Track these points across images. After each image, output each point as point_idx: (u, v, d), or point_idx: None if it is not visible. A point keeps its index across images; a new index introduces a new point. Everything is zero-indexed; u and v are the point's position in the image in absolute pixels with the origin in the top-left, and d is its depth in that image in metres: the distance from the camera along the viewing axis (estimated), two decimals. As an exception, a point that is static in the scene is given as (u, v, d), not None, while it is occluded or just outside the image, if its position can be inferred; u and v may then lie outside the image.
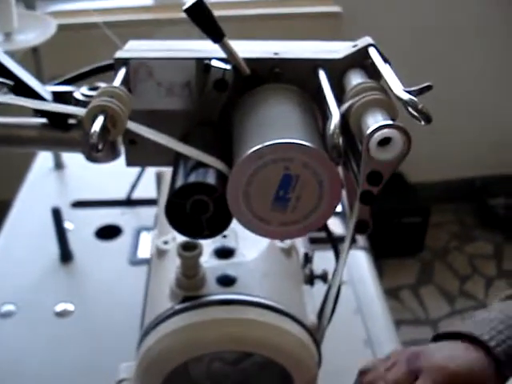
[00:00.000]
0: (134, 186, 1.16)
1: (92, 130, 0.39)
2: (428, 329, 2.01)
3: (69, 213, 1.13)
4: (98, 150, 0.39)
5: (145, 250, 1.06)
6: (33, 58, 1.20)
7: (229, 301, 0.52)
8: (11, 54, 1.03)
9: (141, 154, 0.53)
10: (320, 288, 0.67)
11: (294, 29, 1.91)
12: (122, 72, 0.49)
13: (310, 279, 0.65)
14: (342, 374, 0.80)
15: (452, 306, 2.06)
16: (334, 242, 0.66)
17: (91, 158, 0.55)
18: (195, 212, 0.45)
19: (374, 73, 0.49)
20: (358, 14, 2.01)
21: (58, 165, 1.26)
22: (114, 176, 1.16)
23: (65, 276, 1.01)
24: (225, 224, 0.46)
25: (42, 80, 1.23)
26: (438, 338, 0.65)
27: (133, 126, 0.44)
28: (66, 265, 1.03)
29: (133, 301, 0.94)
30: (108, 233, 1.11)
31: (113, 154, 0.56)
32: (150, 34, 1.85)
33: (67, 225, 1.08)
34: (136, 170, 1.14)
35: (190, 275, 0.53)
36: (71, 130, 0.54)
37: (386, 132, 0.40)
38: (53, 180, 1.24)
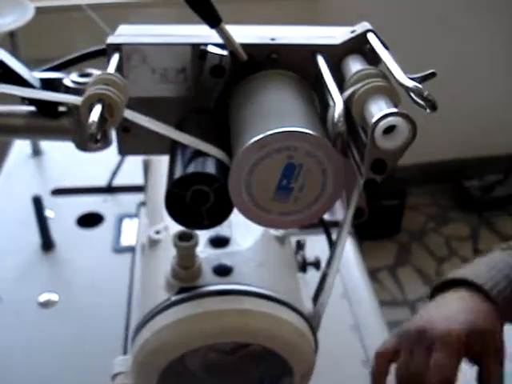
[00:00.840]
0: (114, 173, 1.14)
1: (90, 120, 0.38)
2: (406, 310, 2.03)
3: (49, 201, 1.11)
4: (97, 141, 0.38)
5: (128, 238, 1.05)
6: (10, 42, 1.17)
7: (226, 291, 0.51)
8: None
9: (134, 142, 0.52)
10: (312, 275, 0.67)
11: (271, 13, 1.90)
12: (115, 58, 0.47)
13: (303, 266, 0.65)
14: (329, 359, 0.80)
15: (429, 287, 2.08)
16: (327, 228, 0.66)
17: (82, 147, 0.54)
18: (195, 202, 0.44)
19: (372, 59, 0.49)
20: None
21: (36, 151, 1.24)
22: (95, 162, 1.13)
23: (47, 265, 0.99)
24: (225, 214, 0.45)
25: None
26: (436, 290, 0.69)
27: (130, 114, 0.43)
28: (47, 254, 1.01)
29: (117, 289, 0.93)
30: (90, 220, 1.09)
31: (105, 143, 0.54)
32: (135, 15, 1.83)
33: (48, 213, 1.06)
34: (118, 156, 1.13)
35: (186, 266, 0.52)
36: (61, 117, 0.53)
37: (391, 120, 0.39)
38: (31, 167, 1.21)
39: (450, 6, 2.12)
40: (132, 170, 1.02)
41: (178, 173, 0.43)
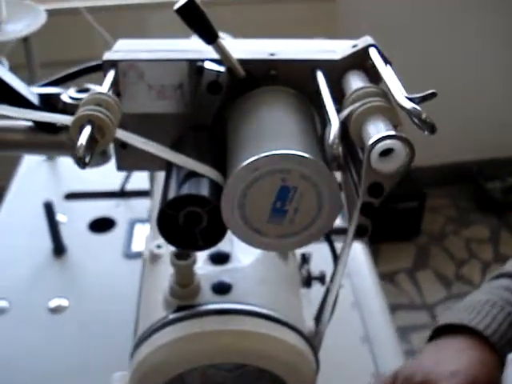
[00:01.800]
0: (127, 178, 1.14)
1: (78, 143, 0.37)
2: (424, 313, 2.00)
3: (62, 205, 1.11)
4: (85, 164, 0.37)
5: (139, 243, 1.04)
6: (23, 46, 1.18)
7: (224, 310, 0.51)
8: (2, 45, 1.01)
9: (132, 158, 0.51)
10: (318, 289, 0.66)
11: (289, 13, 1.88)
12: (110, 75, 0.47)
13: (308, 281, 0.64)
14: (338, 370, 0.79)
15: (448, 291, 2.06)
16: (331, 242, 0.64)
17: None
18: (188, 224, 0.43)
19: (374, 75, 0.47)
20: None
21: (50, 156, 1.24)
22: (108, 167, 1.13)
23: (58, 270, 0.99)
24: (220, 235, 0.44)
25: (34, 68, 1.21)
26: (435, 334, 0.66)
27: (122, 134, 0.42)
28: (59, 258, 1.01)
29: (127, 295, 0.93)
30: (102, 225, 1.09)
31: (103, 158, 0.54)
32: (143, 18, 1.83)
33: (60, 217, 1.06)
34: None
35: (184, 284, 0.51)
36: (59, 133, 0.52)
37: (388, 143, 0.38)
38: (45, 171, 1.22)
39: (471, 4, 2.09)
40: (145, 174, 1.02)
41: (172, 193, 0.43)
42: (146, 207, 1.10)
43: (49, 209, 0.99)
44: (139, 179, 1.13)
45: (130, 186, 1.15)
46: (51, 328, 0.89)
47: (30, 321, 0.90)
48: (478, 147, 2.39)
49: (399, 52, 2.01)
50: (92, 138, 0.39)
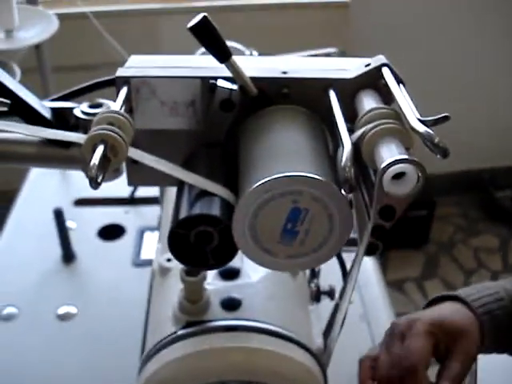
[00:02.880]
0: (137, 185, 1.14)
1: (91, 163, 0.37)
2: (432, 322, 1.99)
3: (71, 211, 1.11)
4: (98, 184, 0.38)
5: (148, 251, 1.04)
6: (35, 51, 1.18)
7: (233, 327, 0.51)
8: (13, 52, 1.01)
9: (143, 173, 0.51)
10: (327, 303, 0.66)
11: (302, 19, 1.89)
12: (123, 92, 0.47)
13: (317, 296, 0.64)
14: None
15: (456, 300, 2.05)
16: (341, 259, 0.64)
17: (92, 177, 0.53)
18: (199, 243, 0.43)
19: (387, 94, 0.47)
20: (366, 3, 1.97)
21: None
22: (118, 174, 1.14)
23: (67, 277, 0.99)
24: (231, 254, 0.44)
25: (45, 74, 1.21)
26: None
27: (135, 153, 0.42)
28: (68, 265, 1.01)
29: (136, 303, 0.93)
30: (111, 232, 1.09)
31: (114, 174, 0.54)
32: (155, 24, 1.84)
33: (70, 223, 1.06)
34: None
35: (194, 300, 0.51)
36: (71, 147, 0.52)
37: (400, 167, 0.38)
38: (54, 177, 1.22)
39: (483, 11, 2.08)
40: (154, 182, 1.02)
41: (183, 213, 0.43)
42: (155, 215, 1.10)
43: (59, 216, 0.99)
44: (149, 187, 1.13)
45: (139, 193, 1.15)
46: (59, 335, 0.89)
47: (38, 327, 0.90)
48: (489, 156, 2.38)
49: (411, 57, 2.02)
50: (105, 157, 0.39)
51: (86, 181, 1.09)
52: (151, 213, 1.11)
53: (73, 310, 0.93)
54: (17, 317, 0.92)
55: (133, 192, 1.15)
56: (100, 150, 0.39)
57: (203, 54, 0.93)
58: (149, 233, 1.09)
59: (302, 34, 1.87)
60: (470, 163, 2.37)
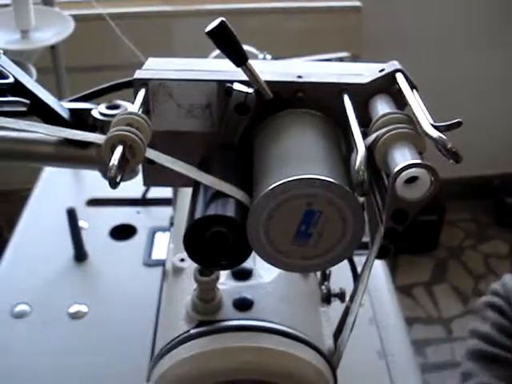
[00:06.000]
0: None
1: (110, 164, 0.38)
2: (440, 328, 1.99)
3: (84, 211, 1.12)
4: (116, 183, 0.38)
5: (159, 252, 1.05)
6: (49, 51, 1.19)
7: (245, 327, 0.51)
8: (29, 53, 1.02)
9: (159, 173, 0.52)
10: (337, 305, 0.66)
11: (314, 22, 1.89)
12: (141, 93, 0.48)
13: (327, 298, 0.64)
14: (355, 386, 0.79)
15: (465, 306, 2.05)
16: (352, 262, 0.65)
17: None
18: (214, 243, 0.44)
19: (400, 99, 0.48)
20: (378, 8, 1.98)
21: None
22: (130, 174, 1.15)
23: (79, 276, 1.00)
24: (245, 255, 0.45)
25: (60, 74, 1.23)
26: None
27: (152, 154, 0.43)
28: (80, 265, 1.02)
29: (147, 303, 0.94)
30: (123, 232, 1.10)
31: (130, 174, 0.55)
32: (166, 26, 1.85)
33: (82, 223, 1.07)
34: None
35: (207, 299, 0.52)
36: (89, 147, 0.53)
37: (413, 171, 0.39)
38: (67, 177, 1.23)
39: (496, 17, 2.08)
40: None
41: (199, 213, 0.43)
42: (166, 215, 1.11)
43: (72, 215, 1.00)
44: (164, 187, 1.14)
45: (151, 194, 1.16)
46: (70, 333, 0.90)
47: (49, 325, 0.91)
48: (500, 161, 2.37)
49: (423, 60, 2.02)
50: (123, 158, 0.40)
51: (99, 181, 1.11)
52: (163, 213, 1.12)
53: (84, 308, 0.94)
54: (29, 314, 0.93)
55: (145, 192, 1.16)
56: (119, 150, 0.40)
57: (217, 56, 0.94)
58: (160, 233, 1.10)
59: (315, 38, 1.88)
60: (481, 169, 2.37)
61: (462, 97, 2.15)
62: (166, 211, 1.12)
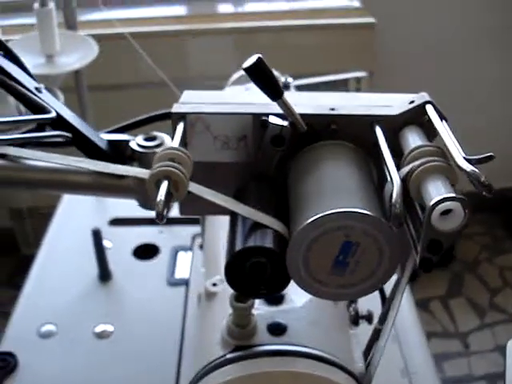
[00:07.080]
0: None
1: (158, 199, 0.40)
2: (457, 342, 1.99)
3: (107, 231, 1.14)
4: (163, 218, 0.40)
5: (182, 270, 1.07)
6: (74, 75, 1.22)
7: (281, 352, 0.53)
8: (54, 77, 1.04)
9: (195, 203, 0.54)
10: (364, 327, 0.67)
11: (328, 39, 1.91)
12: (180, 127, 0.50)
13: (355, 320, 0.66)
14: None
15: (482, 320, 2.05)
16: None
17: (145, 207, 0.56)
18: (254, 273, 0.45)
19: (430, 129, 0.50)
20: (392, 24, 2.00)
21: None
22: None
23: (104, 296, 1.02)
24: (283, 284, 0.46)
25: (83, 94, 1.25)
26: None
27: (194, 188, 0.45)
28: (104, 284, 1.04)
29: (171, 321, 0.96)
30: (146, 251, 1.12)
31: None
32: (183, 44, 1.87)
33: (106, 243, 1.09)
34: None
35: (242, 325, 0.53)
36: (126, 177, 0.55)
37: (448, 204, 0.40)
38: (90, 197, 1.25)
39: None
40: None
41: (239, 245, 0.45)
42: (188, 234, 1.13)
43: (97, 236, 1.02)
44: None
45: (172, 213, 1.18)
46: (97, 352, 0.91)
47: (76, 345, 0.93)
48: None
49: (436, 78, 2.03)
50: (168, 193, 0.42)
51: (121, 201, 1.12)
52: (184, 232, 1.14)
53: (109, 328, 0.96)
54: (55, 334, 0.94)
55: (166, 212, 1.17)
56: (164, 185, 0.41)
57: (239, 79, 0.96)
58: (182, 252, 1.12)
59: (328, 55, 1.90)
60: (497, 182, 2.35)
61: (476, 112, 2.15)
62: (187, 230, 1.14)
